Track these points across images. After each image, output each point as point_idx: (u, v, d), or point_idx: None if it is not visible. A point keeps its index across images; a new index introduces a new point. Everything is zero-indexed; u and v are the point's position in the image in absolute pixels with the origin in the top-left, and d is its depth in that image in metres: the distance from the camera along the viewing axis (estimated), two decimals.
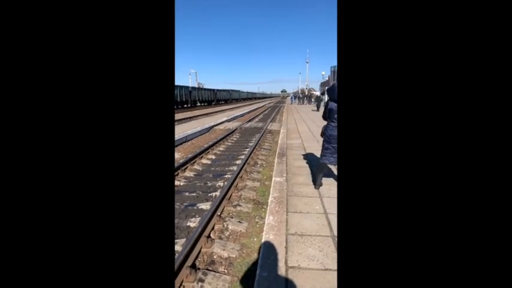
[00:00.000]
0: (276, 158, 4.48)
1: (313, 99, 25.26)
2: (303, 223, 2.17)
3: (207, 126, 9.37)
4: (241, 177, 4.03)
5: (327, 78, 31.57)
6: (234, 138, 7.74)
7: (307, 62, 39.44)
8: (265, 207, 2.83)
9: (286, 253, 1.75)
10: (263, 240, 1.93)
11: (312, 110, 17.35)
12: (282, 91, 79.05)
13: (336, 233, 2.00)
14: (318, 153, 4.61)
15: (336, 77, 27.61)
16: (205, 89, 28.22)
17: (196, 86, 31.98)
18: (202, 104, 26.31)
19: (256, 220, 2.75)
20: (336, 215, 2.31)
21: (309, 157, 4.49)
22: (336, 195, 2.76)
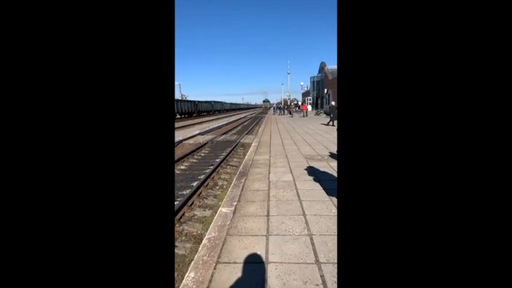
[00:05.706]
0: (234, 180, 3.94)
1: (294, 109, 25.02)
2: (231, 281, 1.63)
3: (175, 141, 8.73)
4: (191, 205, 3.46)
5: (306, 89, 32.00)
6: (202, 154, 7.16)
7: (288, 73, 39.90)
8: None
9: None
10: None
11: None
12: (264, 101, 75.05)
13: None
14: (283, 171, 4.05)
15: (315, 87, 27.97)
16: (185, 101, 27.54)
17: (180, 98, 31.07)
18: (183, 116, 25.57)
19: None
20: (281, 263, 1.80)
21: (271, 176, 4.00)
22: (286, 232, 2.25)
